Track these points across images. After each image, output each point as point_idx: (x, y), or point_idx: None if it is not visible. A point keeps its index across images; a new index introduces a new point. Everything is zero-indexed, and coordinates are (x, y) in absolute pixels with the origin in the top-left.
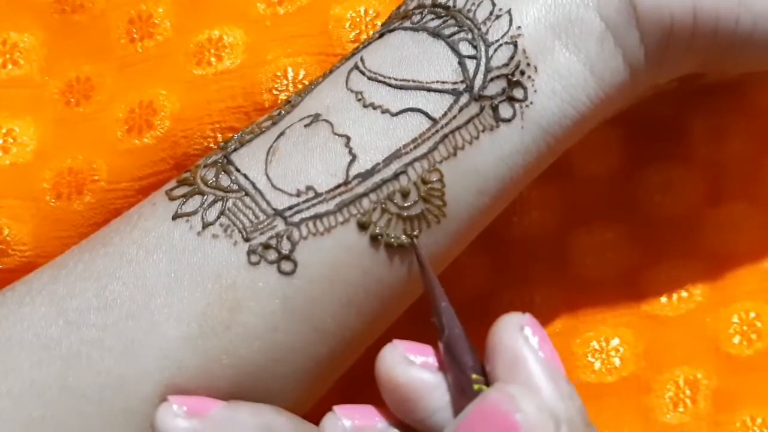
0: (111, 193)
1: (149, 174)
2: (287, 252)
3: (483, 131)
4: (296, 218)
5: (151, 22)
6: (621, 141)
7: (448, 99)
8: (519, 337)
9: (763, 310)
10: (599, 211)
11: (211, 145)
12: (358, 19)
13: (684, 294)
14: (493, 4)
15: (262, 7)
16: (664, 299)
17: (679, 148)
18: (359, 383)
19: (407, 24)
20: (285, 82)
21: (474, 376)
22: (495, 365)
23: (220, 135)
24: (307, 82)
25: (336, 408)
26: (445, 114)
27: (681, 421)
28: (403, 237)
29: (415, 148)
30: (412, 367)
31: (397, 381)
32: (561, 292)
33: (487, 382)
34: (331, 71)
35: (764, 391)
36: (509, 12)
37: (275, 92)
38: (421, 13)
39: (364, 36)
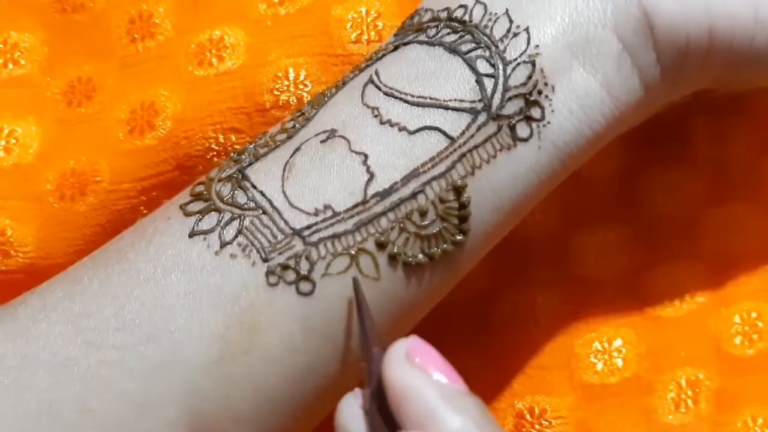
0: (113, 194)
1: (151, 175)
2: (306, 272)
3: (500, 150)
4: (314, 238)
5: (151, 22)
6: (623, 142)
7: (466, 118)
8: (405, 368)
9: (765, 311)
10: (601, 211)
11: (213, 145)
12: (359, 20)
13: (686, 294)
14: (511, 21)
15: (263, 8)
16: (666, 300)
17: (680, 148)
18: None
19: (423, 38)
20: (286, 82)
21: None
22: (393, 407)
23: (221, 136)
24: (308, 83)
25: None
26: (463, 133)
27: (683, 421)
28: (421, 255)
29: (433, 167)
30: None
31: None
32: (563, 293)
33: None
34: (344, 82)
35: (766, 391)
36: (527, 30)
37: (276, 93)
38: (437, 26)
39: (365, 37)
